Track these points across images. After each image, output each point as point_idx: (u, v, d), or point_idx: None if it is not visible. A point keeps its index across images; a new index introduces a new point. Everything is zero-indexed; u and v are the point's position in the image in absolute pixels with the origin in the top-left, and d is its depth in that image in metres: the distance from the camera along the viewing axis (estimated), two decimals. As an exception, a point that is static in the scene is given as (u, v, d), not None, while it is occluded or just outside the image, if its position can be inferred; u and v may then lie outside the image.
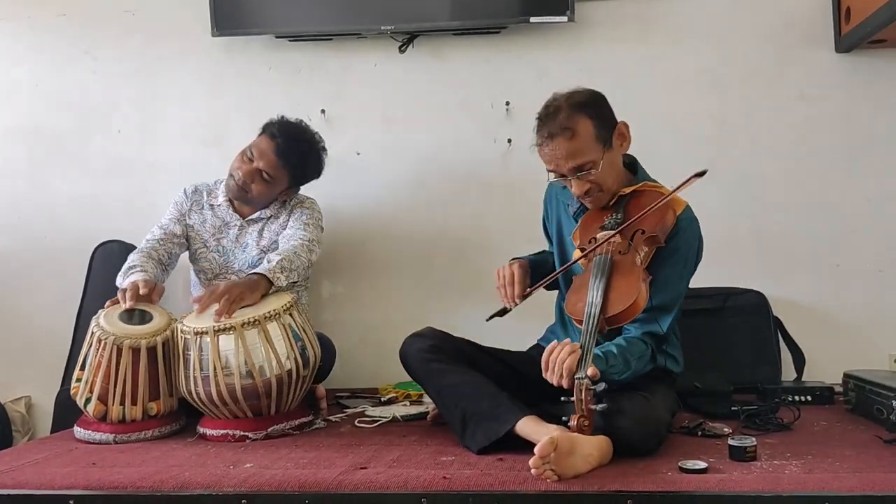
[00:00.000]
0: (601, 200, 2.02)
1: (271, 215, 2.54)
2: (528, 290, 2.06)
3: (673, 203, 1.95)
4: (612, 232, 1.93)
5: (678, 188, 1.89)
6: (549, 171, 1.99)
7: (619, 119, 2.02)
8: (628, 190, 2.02)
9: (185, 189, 2.61)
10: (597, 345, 1.80)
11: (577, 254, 2.02)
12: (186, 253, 2.60)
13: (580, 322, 1.83)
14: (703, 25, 2.75)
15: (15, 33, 3.00)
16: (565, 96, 1.97)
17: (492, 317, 2.08)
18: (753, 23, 2.72)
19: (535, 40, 2.80)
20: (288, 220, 2.52)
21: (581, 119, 1.93)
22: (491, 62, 2.83)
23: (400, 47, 2.84)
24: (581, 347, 1.74)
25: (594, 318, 1.79)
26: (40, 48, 2.99)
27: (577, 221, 2.10)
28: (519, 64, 2.81)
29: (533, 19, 2.70)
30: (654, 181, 2.07)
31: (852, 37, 2.56)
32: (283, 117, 2.52)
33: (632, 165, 2.11)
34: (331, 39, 2.86)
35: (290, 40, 2.87)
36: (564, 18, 2.68)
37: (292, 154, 2.46)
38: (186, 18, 2.90)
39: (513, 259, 2.17)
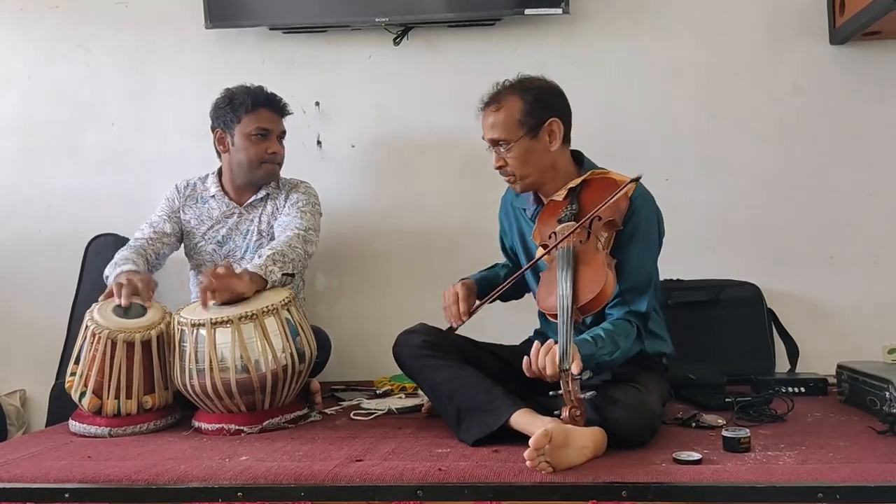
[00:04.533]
0: (517, 183, 2.09)
1: (267, 194, 2.53)
2: (475, 306, 2.08)
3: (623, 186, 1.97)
4: (573, 224, 1.93)
5: (618, 193, 1.91)
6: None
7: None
8: (578, 181, 2.04)
9: (176, 185, 2.59)
10: (577, 335, 1.81)
11: (539, 252, 2.03)
12: (180, 249, 2.59)
13: (555, 317, 1.84)
14: (698, 17, 2.74)
15: (7, 25, 2.98)
16: (519, 77, 2.09)
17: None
18: (748, 15, 2.72)
19: (530, 32, 2.79)
20: (284, 204, 2.51)
21: (513, 98, 2.05)
22: (485, 54, 2.82)
23: (394, 39, 2.84)
24: (560, 340, 1.74)
25: (567, 309, 1.80)
26: (33, 40, 2.98)
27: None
28: (514, 56, 2.80)
29: (528, 11, 2.69)
30: (601, 168, 2.09)
31: (847, 29, 2.56)
32: (235, 88, 2.48)
33: (578, 159, 2.14)
34: (325, 31, 2.85)
35: (284, 32, 2.86)
36: (559, 10, 2.68)
37: (278, 100, 2.50)
38: (180, 10, 2.89)
39: (460, 279, 2.18)
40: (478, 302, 2.10)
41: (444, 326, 2.09)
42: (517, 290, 2.25)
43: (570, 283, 1.84)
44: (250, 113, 2.44)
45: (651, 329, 2.03)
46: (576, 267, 1.88)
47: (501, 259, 2.36)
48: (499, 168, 2.07)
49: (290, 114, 2.56)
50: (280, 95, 2.52)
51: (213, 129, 2.51)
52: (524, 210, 2.19)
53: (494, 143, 2.06)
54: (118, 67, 2.95)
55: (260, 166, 2.47)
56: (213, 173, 2.59)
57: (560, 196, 2.05)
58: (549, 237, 1.98)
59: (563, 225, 1.97)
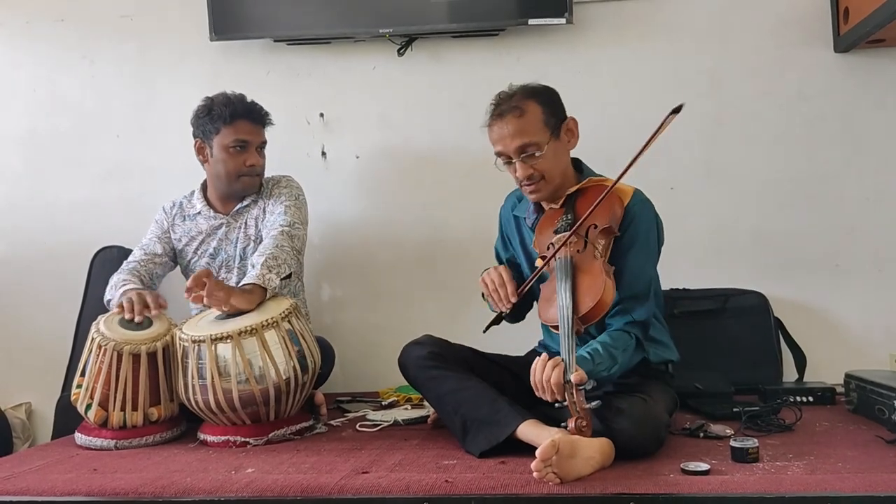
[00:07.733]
0: (544, 190, 2.04)
1: (251, 201, 2.51)
2: (521, 288, 2.05)
3: (619, 193, 1.96)
4: (567, 234, 1.92)
5: (655, 134, 1.90)
6: (497, 153, 2.05)
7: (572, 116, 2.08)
8: (573, 189, 2.04)
9: (164, 206, 2.59)
10: (580, 345, 1.80)
11: (538, 262, 2.01)
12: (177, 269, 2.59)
13: (556, 328, 1.83)
14: (702, 26, 2.74)
15: (13, 38, 3.00)
16: (519, 85, 2.07)
17: (488, 326, 2.08)
18: (752, 23, 2.72)
19: (534, 42, 2.80)
20: (267, 203, 2.49)
21: (531, 103, 2.02)
22: (489, 65, 2.82)
23: (398, 50, 2.84)
24: (562, 352, 1.74)
25: (568, 319, 1.79)
26: (38, 53, 2.99)
27: None
28: (517, 66, 2.81)
29: (531, 21, 2.70)
30: (600, 175, 2.08)
31: (851, 36, 2.56)
32: (216, 97, 2.45)
33: (577, 165, 2.14)
34: (329, 43, 2.86)
35: (288, 44, 2.87)
36: (563, 20, 2.68)
37: (258, 110, 2.46)
38: (184, 23, 2.90)
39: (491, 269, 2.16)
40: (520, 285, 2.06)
41: (448, 336, 2.09)
42: (521, 309, 2.21)
43: (569, 294, 1.84)
44: (228, 125, 2.41)
45: (653, 336, 2.02)
46: (574, 276, 1.87)
47: None
48: (527, 178, 2.01)
49: (271, 124, 2.51)
50: (260, 104, 2.47)
51: (193, 136, 2.50)
52: (524, 219, 2.17)
53: (521, 150, 1.99)
54: (123, 79, 2.97)
55: (238, 179, 2.45)
56: (197, 189, 2.57)
57: (557, 204, 2.05)
58: (547, 248, 1.97)
59: (559, 235, 1.96)
